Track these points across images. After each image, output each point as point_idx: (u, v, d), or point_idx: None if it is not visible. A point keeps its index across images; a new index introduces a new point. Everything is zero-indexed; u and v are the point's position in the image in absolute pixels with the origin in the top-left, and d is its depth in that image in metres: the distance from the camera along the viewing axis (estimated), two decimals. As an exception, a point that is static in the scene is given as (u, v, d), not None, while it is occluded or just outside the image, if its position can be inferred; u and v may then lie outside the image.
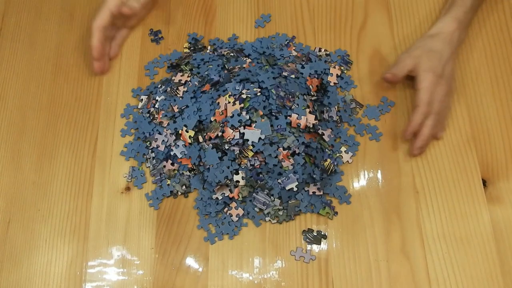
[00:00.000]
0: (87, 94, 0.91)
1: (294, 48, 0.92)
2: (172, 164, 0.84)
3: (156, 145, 0.85)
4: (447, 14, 0.88)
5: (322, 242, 0.80)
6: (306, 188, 0.82)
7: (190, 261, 0.79)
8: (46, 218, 0.82)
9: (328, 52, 0.92)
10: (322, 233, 0.80)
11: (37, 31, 0.96)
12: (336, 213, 0.81)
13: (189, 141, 0.83)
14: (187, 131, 0.83)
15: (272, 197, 0.81)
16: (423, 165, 0.84)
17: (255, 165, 0.80)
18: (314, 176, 0.81)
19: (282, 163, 0.81)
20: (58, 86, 0.92)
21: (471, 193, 0.82)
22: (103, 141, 0.87)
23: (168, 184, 0.84)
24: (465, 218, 0.80)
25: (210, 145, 0.82)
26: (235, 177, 0.80)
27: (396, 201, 0.82)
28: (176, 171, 0.84)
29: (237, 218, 0.81)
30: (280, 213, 0.81)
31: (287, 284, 0.77)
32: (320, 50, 0.93)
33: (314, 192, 0.82)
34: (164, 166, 0.84)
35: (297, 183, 0.81)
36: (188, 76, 0.88)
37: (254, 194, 0.81)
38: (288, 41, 0.93)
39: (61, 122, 0.89)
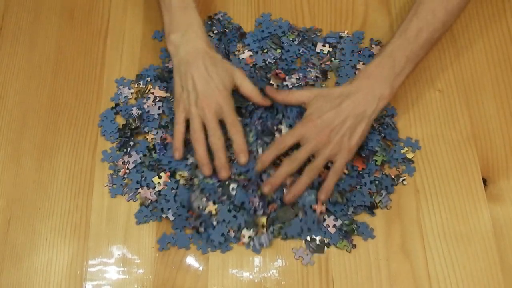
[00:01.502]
0: (88, 93, 0.91)
1: (297, 31, 0.93)
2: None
3: (127, 161, 0.84)
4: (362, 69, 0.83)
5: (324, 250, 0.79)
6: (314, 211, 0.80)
7: (191, 260, 0.79)
8: (46, 217, 0.82)
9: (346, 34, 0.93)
10: (326, 242, 0.79)
11: (37, 30, 0.96)
12: (355, 245, 0.79)
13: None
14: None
15: (271, 234, 0.79)
16: (423, 163, 0.83)
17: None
18: (348, 214, 0.80)
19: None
20: (58, 85, 0.92)
21: (472, 192, 0.81)
22: (104, 139, 0.87)
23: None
24: (466, 216, 0.80)
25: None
26: (244, 232, 0.79)
27: (396, 200, 0.82)
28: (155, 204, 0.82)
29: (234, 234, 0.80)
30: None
31: (287, 283, 0.77)
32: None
33: (328, 226, 0.79)
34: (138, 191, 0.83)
35: (297, 232, 0.79)
36: None
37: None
38: (290, 27, 0.94)
39: (61, 121, 0.89)
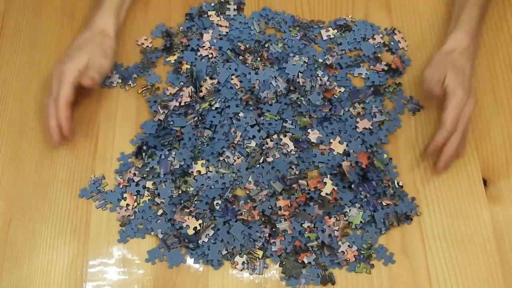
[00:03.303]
0: (87, 93, 0.90)
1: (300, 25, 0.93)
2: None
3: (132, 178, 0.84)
4: (458, 29, 0.85)
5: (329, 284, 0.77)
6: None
7: (191, 261, 0.79)
8: (46, 218, 0.82)
9: (355, 21, 0.94)
10: (332, 278, 0.77)
11: (38, 31, 0.96)
12: (373, 265, 0.78)
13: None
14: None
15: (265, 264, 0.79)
16: (423, 164, 0.83)
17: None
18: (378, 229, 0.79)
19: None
20: (59, 85, 0.92)
21: (472, 193, 0.81)
22: (104, 140, 0.87)
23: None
24: (466, 217, 0.80)
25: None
26: (237, 259, 0.78)
27: (396, 201, 0.82)
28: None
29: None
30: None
31: (287, 284, 0.77)
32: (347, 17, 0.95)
33: (343, 252, 0.78)
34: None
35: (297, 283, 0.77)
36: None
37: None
38: (294, 20, 0.94)
39: (61, 122, 0.89)
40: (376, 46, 0.91)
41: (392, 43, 0.91)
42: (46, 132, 0.85)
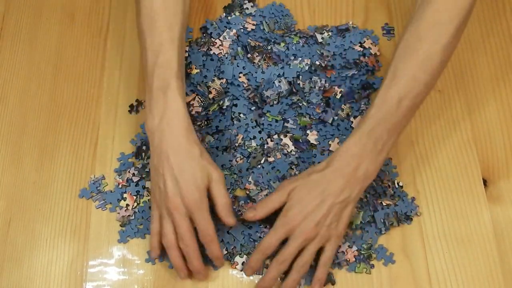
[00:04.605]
0: (88, 94, 0.90)
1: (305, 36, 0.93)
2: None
3: (131, 178, 0.83)
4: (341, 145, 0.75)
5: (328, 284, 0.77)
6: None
7: (191, 261, 0.79)
8: (47, 218, 0.82)
9: (356, 26, 0.93)
10: (332, 278, 0.77)
11: (38, 31, 0.96)
12: (373, 265, 0.78)
13: None
14: None
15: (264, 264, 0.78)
16: (423, 164, 0.84)
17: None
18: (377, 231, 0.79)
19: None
20: (59, 86, 0.92)
21: (472, 193, 0.82)
22: (104, 140, 0.87)
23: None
24: (466, 217, 0.80)
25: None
26: (237, 259, 0.78)
27: (396, 201, 0.82)
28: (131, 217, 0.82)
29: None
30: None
31: (287, 284, 0.77)
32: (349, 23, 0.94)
33: (343, 252, 0.78)
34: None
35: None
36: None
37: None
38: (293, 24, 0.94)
39: (61, 122, 0.89)
40: (359, 53, 0.89)
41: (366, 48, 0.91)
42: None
